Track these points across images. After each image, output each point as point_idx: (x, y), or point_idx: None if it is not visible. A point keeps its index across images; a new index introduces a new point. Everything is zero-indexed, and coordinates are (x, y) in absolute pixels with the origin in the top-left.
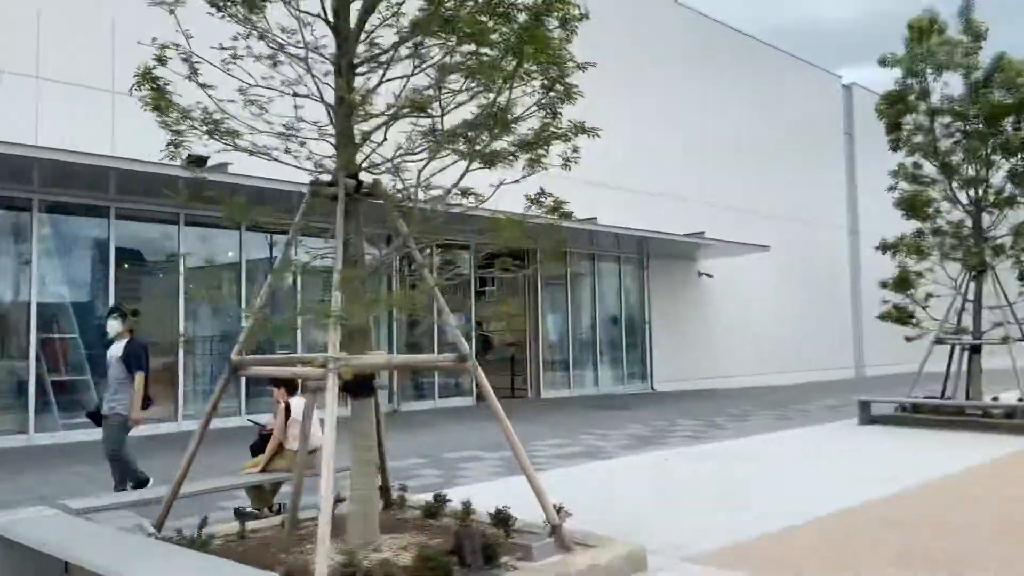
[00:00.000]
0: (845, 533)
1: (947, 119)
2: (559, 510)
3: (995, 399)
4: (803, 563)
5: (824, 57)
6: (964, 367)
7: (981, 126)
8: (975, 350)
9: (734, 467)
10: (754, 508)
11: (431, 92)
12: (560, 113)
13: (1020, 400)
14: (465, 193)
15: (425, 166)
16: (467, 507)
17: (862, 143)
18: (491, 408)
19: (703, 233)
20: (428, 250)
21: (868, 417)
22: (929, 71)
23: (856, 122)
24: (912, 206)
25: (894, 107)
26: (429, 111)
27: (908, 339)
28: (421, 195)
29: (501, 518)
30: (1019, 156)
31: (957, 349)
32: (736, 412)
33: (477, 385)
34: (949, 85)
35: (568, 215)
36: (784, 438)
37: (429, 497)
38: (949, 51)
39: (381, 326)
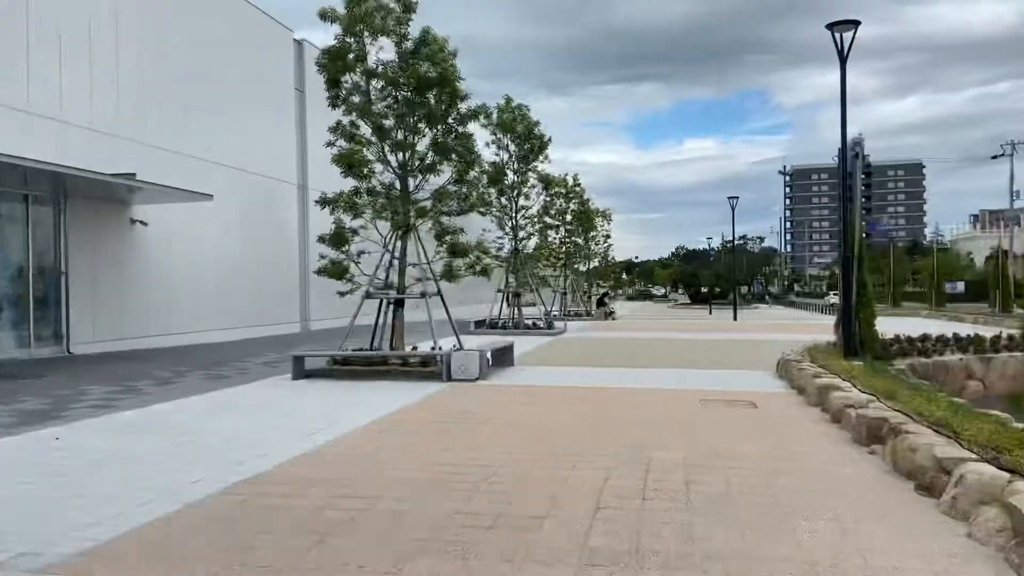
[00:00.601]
0: (248, 506)
1: (381, 83)
2: None
3: (414, 348)
4: (182, 554)
5: (299, 18)
6: (390, 320)
7: (410, 95)
8: (399, 304)
9: (145, 439)
10: (154, 489)
11: None
12: None
13: (433, 349)
14: None
15: None
16: None
17: (312, 100)
18: None
19: (135, 175)
20: None
21: (302, 372)
22: (366, 33)
23: (307, 78)
24: (349, 164)
25: (334, 63)
26: None
27: (341, 294)
28: None
29: None
30: (440, 127)
31: (384, 303)
32: (166, 374)
33: None
34: (384, 50)
35: None
36: (211, 399)
37: None
38: (384, 16)
39: None
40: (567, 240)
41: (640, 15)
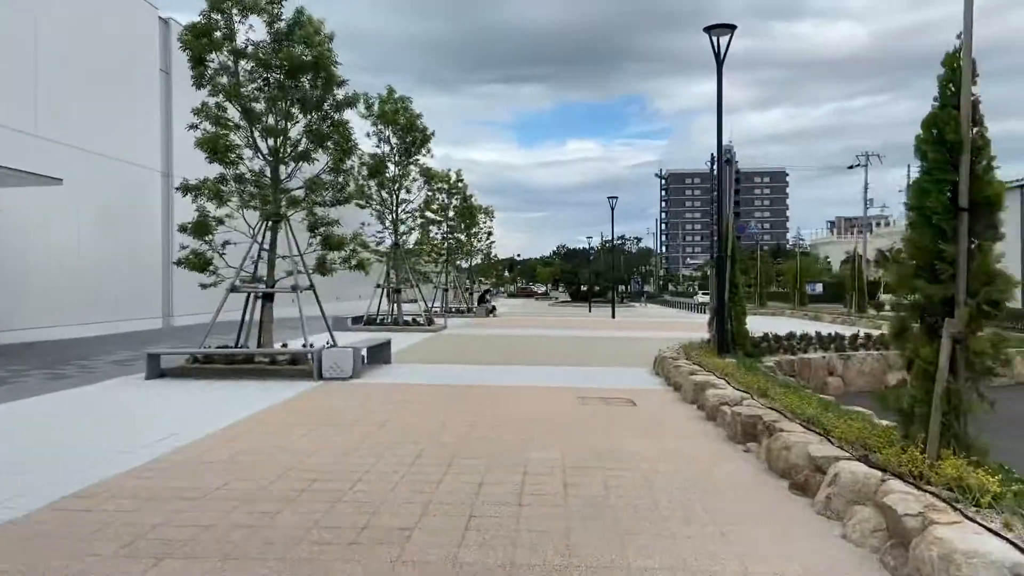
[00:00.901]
0: (77, 523)
1: (251, 64)
2: None
3: (284, 346)
4: None
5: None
6: (259, 315)
7: (282, 78)
8: (268, 298)
9: None
10: None
11: None
12: None
13: (304, 346)
14: None
15: None
16: None
17: (179, 82)
18: None
19: None
20: None
21: (157, 371)
22: (235, 10)
23: (173, 59)
24: (214, 149)
25: (199, 41)
26: None
27: (203, 286)
28: None
29: None
30: (315, 114)
31: (252, 297)
32: (2, 374)
33: None
34: (255, 29)
35: None
36: (51, 401)
37: None
38: None
39: None
40: (449, 236)
41: (526, 16)
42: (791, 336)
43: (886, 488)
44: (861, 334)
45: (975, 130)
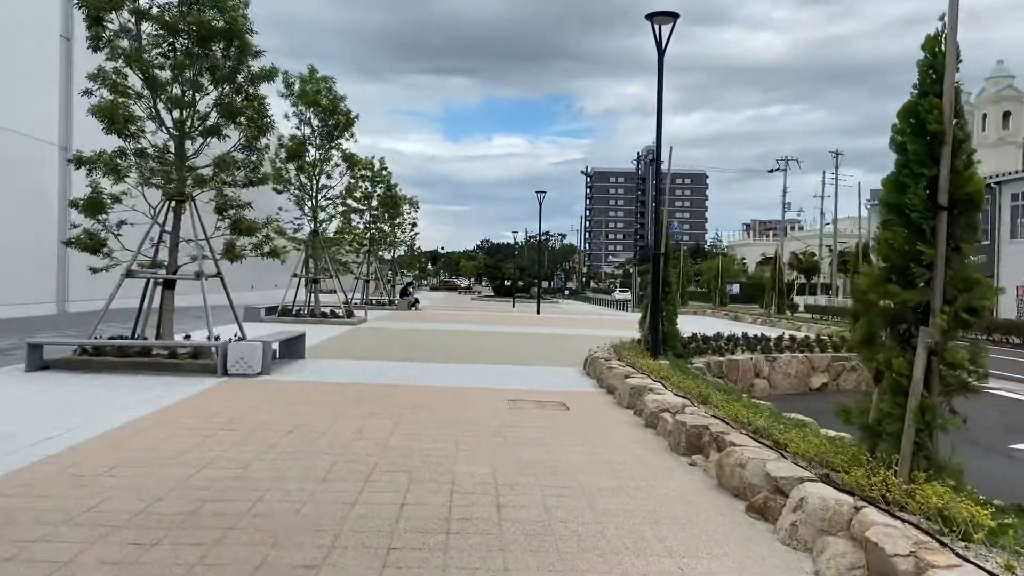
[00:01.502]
0: None
1: (156, 28)
2: None
3: (187, 337)
4: None
5: None
6: (158, 303)
7: (191, 44)
8: (169, 285)
9: None
10: None
11: None
12: None
13: (208, 338)
14: None
15: None
16: None
17: (83, 50)
18: None
19: None
20: None
21: (39, 362)
22: None
23: (75, 25)
24: (111, 118)
25: None
26: None
27: (94, 270)
28: None
29: None
30: (227, 86)
31: (151, 284)
32: None
33: None
34: None
35: None
36: None
37: None
38: None
39: None
40: (372, 225)
41: (458, 8)
42: (719, 337)
43: (863, 519)
44: (786, 336)
45: (955, 121)
